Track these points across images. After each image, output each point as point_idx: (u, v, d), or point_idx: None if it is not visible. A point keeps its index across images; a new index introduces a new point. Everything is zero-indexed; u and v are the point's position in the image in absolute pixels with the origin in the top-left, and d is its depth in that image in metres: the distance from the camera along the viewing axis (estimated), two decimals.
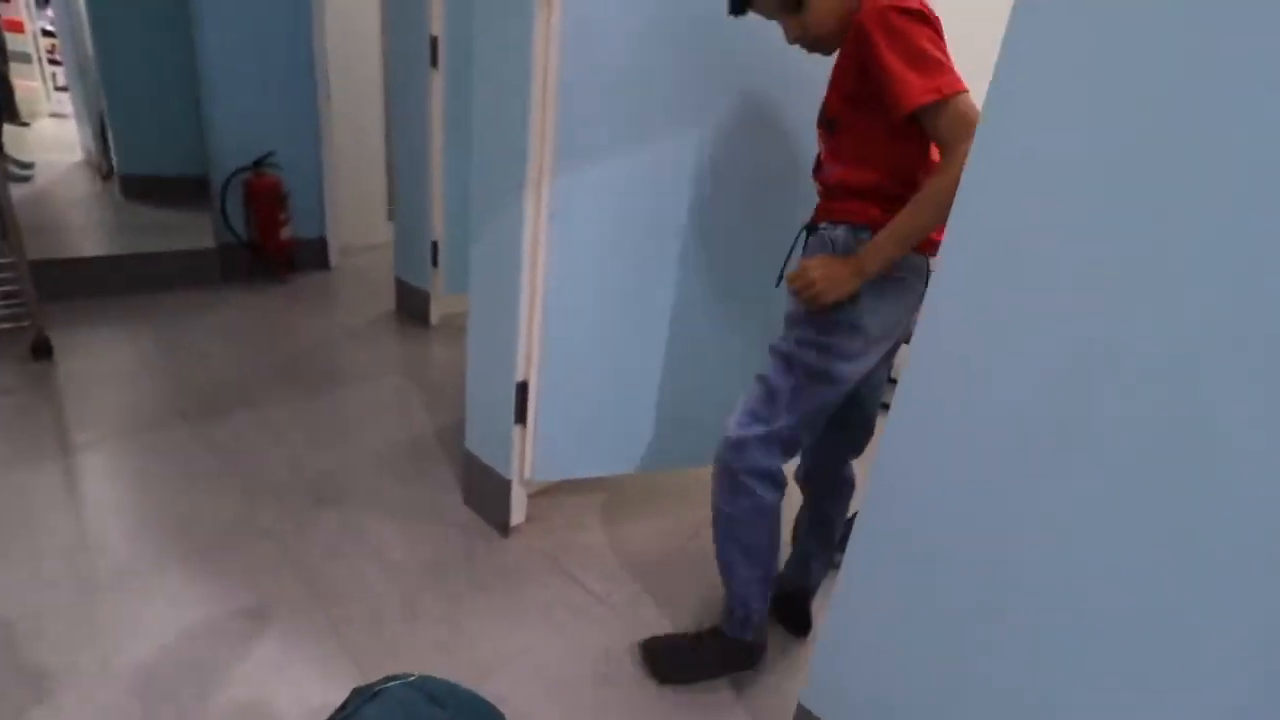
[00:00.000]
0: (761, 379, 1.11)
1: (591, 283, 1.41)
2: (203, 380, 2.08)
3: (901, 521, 0.86)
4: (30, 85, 5.92)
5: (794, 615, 1.38)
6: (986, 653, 0.79)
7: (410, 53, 2.52)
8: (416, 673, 0.68)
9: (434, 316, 2.84)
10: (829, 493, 1.34)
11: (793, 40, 1.07)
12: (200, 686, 1.09)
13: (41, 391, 1.90)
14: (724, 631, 1.22)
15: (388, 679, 0.67)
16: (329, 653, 1.18)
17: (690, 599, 1.42)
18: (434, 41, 2.42)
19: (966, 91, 0.91)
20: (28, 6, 5.74)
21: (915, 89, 0.91)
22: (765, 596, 1.20)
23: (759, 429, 1.08)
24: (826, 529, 1.36)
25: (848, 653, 0.96)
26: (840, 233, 1.06)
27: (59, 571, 1.28)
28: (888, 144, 1.01)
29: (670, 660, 1.23)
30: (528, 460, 1.50)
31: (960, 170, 0.84)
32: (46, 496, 1.49)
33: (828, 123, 1.07)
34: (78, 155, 4.25)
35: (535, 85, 1.22)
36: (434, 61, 2.44)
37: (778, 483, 1.13)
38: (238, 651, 1.16)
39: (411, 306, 2.88)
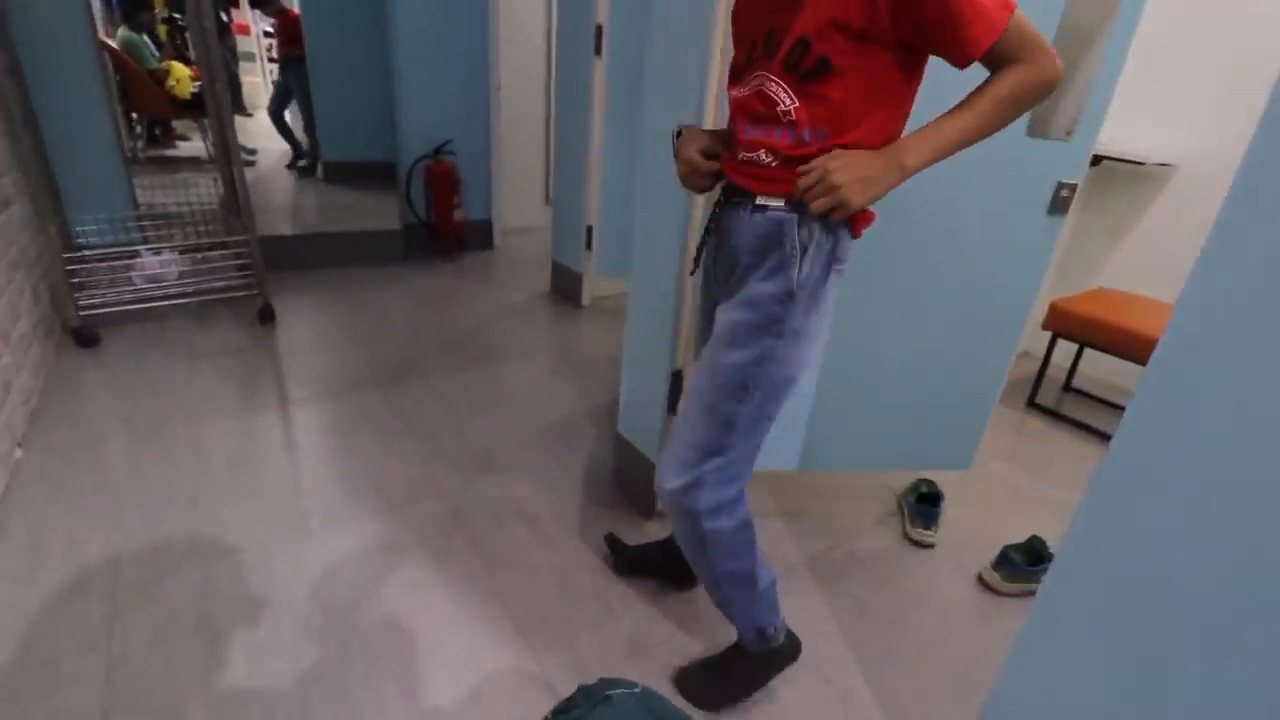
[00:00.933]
0: (709, 409, 0.97)
1: None
2: (389, 348, 2.33)
3: (1113, 561, 0.76)
4: (253, 81, 6.86)
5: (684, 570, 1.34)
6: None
7: (575, 41, 2.60)
8: (639, 685, 0.71)
9: (585, 297, 2.95)
10: None
11: None
12: (389, 631, 1.24)
13: (265, 352, 2.22)
14: (747, 650, 1.16)
15: (608, 682, 0.71)
16: (494, 615, 1.29)
17: (827, 610, 1.38)
18: (599, 30, 2.47)
19: None
20: (251, 10, 6.58)
21: (991, 13, 0.74)
22: (774, 606, 1.14)
23: (715, 461, 0.98)
24: None
25: (1034, 686, 0.87)
26: (810, 227, 0.88)
27: (280, 512, 1.50)
28: (896, 96, 0.85)
29: (710, 686, 1.17)
30: None
31: (1046, 76, 0.77)
32: (270, 443, 1.75)
33: (816, 64, 0.80)
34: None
35: (710, 87, 1.20)
36: (598, 50, 2.50)
37: (742, 502, 1.04)
38: (420, 603, 1.30)
39: (565, 287, 3.02)
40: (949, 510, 1.71)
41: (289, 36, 4.05)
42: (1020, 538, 1.56)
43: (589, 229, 2.79)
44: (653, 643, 1.26)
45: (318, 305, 2.63)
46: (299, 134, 4.54)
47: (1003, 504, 1.82)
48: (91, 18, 2.34)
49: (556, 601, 1.33)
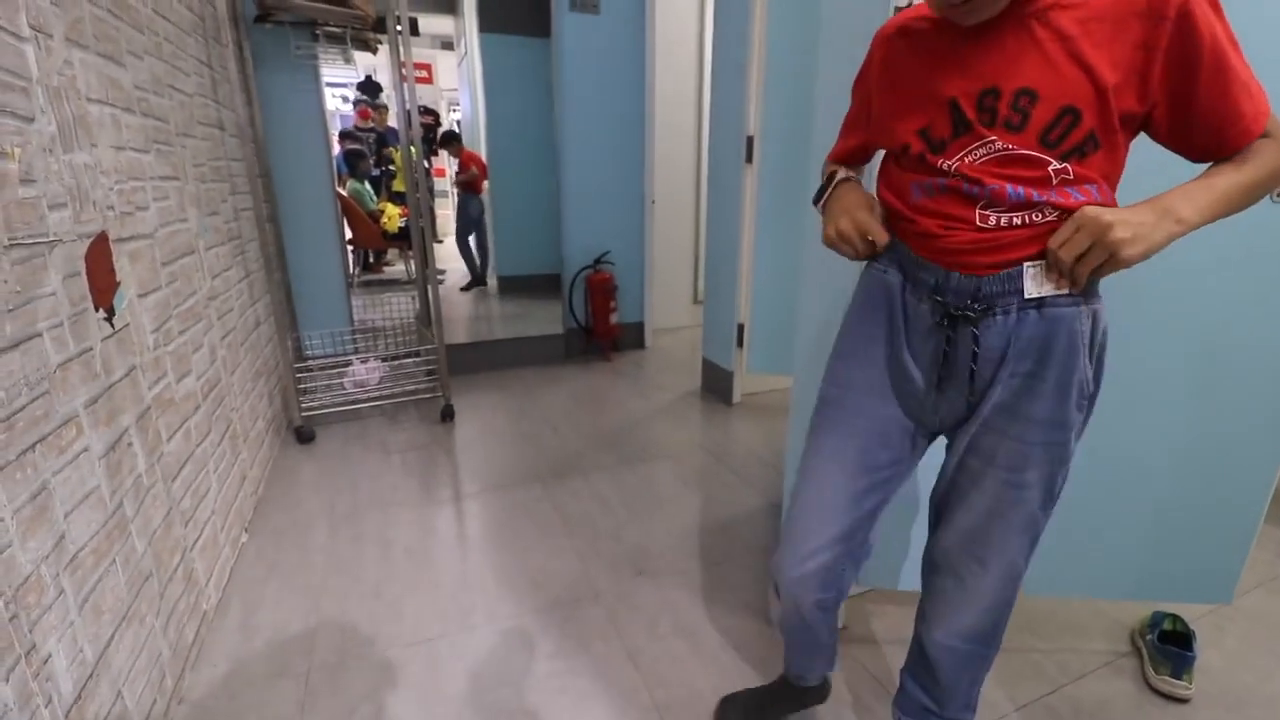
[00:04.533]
0: (1005, 529, 0.87)
1: None
2: (551, 446, 2.43)
3: None
4: (444, 213, 8.05)
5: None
6: None
7: (727, 151, 2.74)
8: None
9: (736, 394, 2.92)
10: None
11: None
12: None
13: (444, 447, 2.42)
14: None
15: None
16: None
17: None
18: (749, 140, 2.59)
19: None
20: (446, 158, 7.77)
21: (1258, 95, 0.70)
22: None
23: (1020, 572, 0.92)
24: None
25: None
26: (1092, 307, 0.78)
27: (449, 605, 1.56)
28: (1116, 181, 0.77)
29: None
30: None
31: None
32: (444, 534, 1.85)
33: (1085, 140, 0.71)
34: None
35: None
36: (749, 158, 2.61)
37: None
38: (577, 716, 1.25)
39: (715, 384, 3.01)
40: (1202, 653, 1.37)
41: (461, 170, 4.73)
42: None
43: (740, 327, 2.80)
44: None
45: (490, 404, 2.85)
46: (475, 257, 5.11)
47: (1276, 649, 1.44)
48: (332, 175, 2.89)
49: None
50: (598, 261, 3.40)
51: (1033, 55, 0.70)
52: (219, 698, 1.29)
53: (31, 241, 0.95)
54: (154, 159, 1.48)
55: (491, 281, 4.82)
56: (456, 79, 5.82)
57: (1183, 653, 1.30)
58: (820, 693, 1.21)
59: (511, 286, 4.48)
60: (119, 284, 1.22)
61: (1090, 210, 0.69)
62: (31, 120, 0.98)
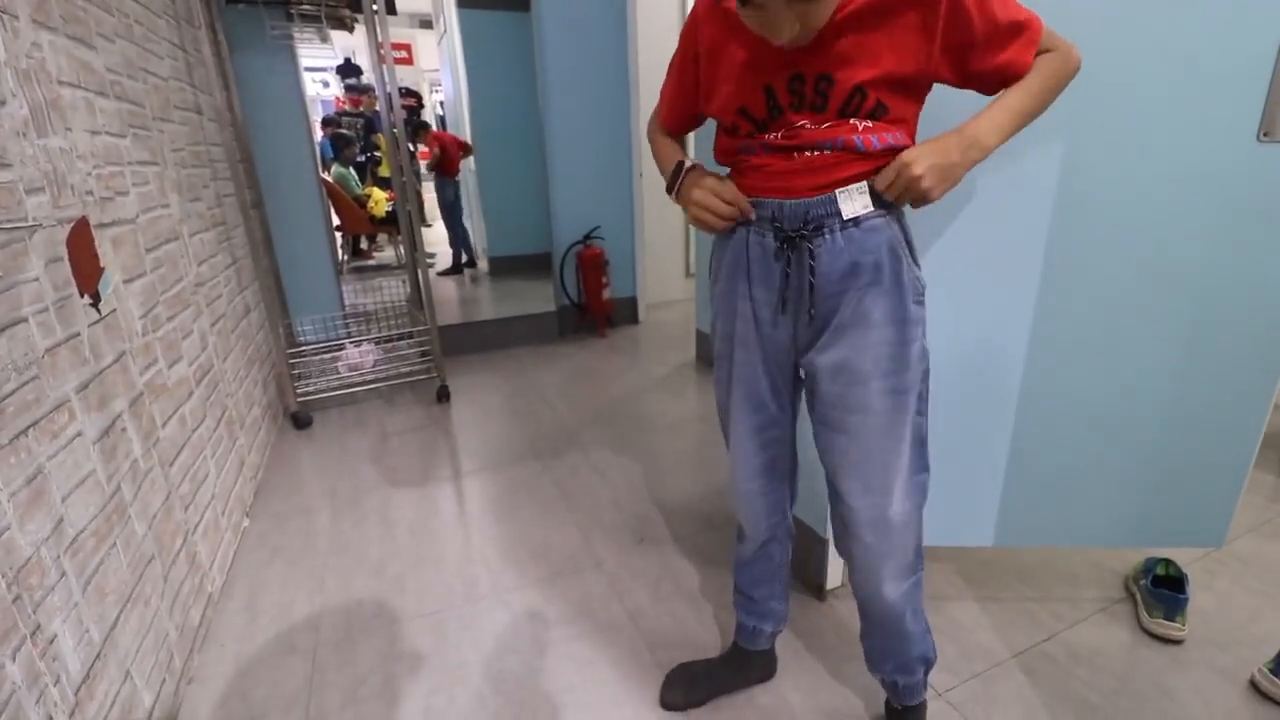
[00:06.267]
0: (901, 438, 0.91)
1: (937, 329, 1.27)
2: (547, 422, 2.44)
3: None
4: (430, 196, 7.93)
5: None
6: None
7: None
8: None
9: None
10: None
11: (787, 37, 0.75)
12: (551, 703, 1.22)
13: (442, 428, 2.42)
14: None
15: None
16: (658, 697, 1.22)
17: (1049, 718, 1.15)
18: None
19: None
20: (429, 144, 7.63)
21: (1026, 29, 0.79)
22: None
23: (924, 478, 0.96)
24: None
25: None
26: (891, 220, 0.87)
27: (454, 579, 1.58)
28: (913, 131, 0.87)
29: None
30: None
31: (1075, 59, 0.83)
32: (445, 512, 1.86)
33: (875, 107, 0.81)
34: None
35: None
36: None
37: None
38: (583, 678, 1.28)
39: (710, 356, 3.01)
40: (1194, 596, 1.40)
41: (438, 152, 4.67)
42: None
43: None
44: None
45: (485, 383, 2.85)
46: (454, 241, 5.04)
47: (1266, 589, 1.47)
48: (315, 160, 2.85)
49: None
50: (588, 237, 3.38)
51: (828, 43, 0.78)
52: (228, 676, 1.31)
53: (10, 226, 0.94)
54: (131, 144, 1.46)
55: (482, 263, 4.80)
56: (438, 59, 5.72)
57: (1175, 595, 1.33)
58: (766, 665, 1.25)
59: (503, 266, 4.45)
60: (103, 270, 1.21)
61: (906, 156, 0.79)
62: (2, 103, 0.97)
